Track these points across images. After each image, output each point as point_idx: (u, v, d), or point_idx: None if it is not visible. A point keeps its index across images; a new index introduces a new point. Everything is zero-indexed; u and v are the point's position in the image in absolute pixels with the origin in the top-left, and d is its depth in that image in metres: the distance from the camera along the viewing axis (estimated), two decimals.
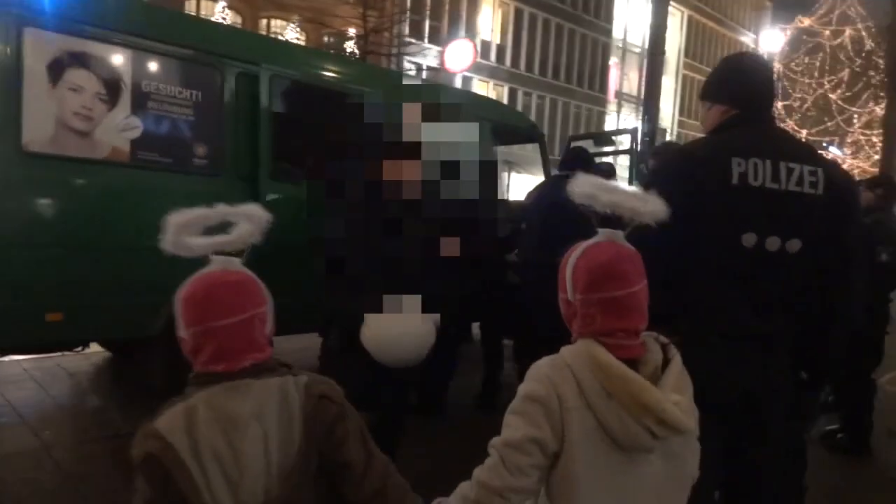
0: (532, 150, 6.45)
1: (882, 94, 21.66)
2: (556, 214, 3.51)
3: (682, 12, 37.95)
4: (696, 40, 39.51)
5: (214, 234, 1.35)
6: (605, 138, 6.06)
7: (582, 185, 1.32)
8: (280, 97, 4.26)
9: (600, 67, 33.86)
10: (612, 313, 1.28)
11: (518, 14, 29.61)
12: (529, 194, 4.43)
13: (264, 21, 23.08)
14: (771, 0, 44.16)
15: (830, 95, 29.14)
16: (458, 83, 24.16)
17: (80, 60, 3.53)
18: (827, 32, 28.98)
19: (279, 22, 22.98)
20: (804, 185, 1.61)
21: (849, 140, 29.66)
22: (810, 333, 1.74)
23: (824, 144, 28.25)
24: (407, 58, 22.96)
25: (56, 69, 3.46)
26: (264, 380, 1.21)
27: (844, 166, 19.33)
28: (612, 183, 1.36)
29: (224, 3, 20.76)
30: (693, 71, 38.77)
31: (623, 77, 34.82)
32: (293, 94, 4.37)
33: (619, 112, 33.77)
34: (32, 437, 3.71)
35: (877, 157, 22.03)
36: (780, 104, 29.36)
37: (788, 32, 31.07)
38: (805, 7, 29.52)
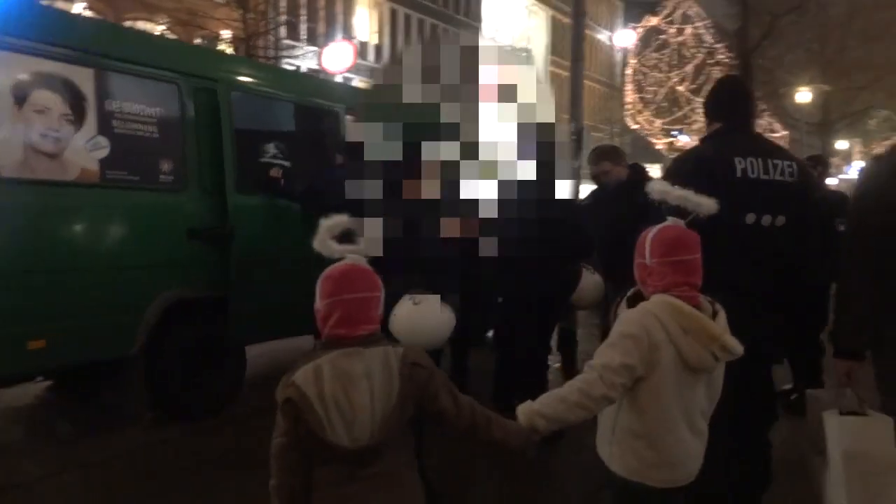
0: None
1: None
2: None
3: (546, 12, 40.16)
4: (560, 38, 41.93)
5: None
6: None
7: (658, 188, 1.86)
8: (240, 111, 4.36)
9: None
10: (680, 272, 1.80)
11: (393, 14, 30.02)
12: None
13: (129, 23, 21.74)
14: (621, 0, 47.70)
15: (678, 88, 31.93)
16: None
17: (45, 82, 3.47)
18: (672, 30, 31.74)
19: (146, 24, 21.75)
20: (785, 175, 2.18)
21: (694, 128, 32.69)
22: (785, 286, 2.28)
23: (673, 133, 31.11)
24: (286, 60, 22.60)
25: (20, 91, 3.38)
26: (372, 348, 1.57)
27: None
28: (681, 190, 1.83)
29: (84, 4, 19.35)
30: (559, 68, 41.14)
31: None
32: (252, 108, 4.48)
33: None
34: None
35: None
36: (636, 96, 32.01)
37: (639, 31, 33.68)
38: (652, 7, 32.29)
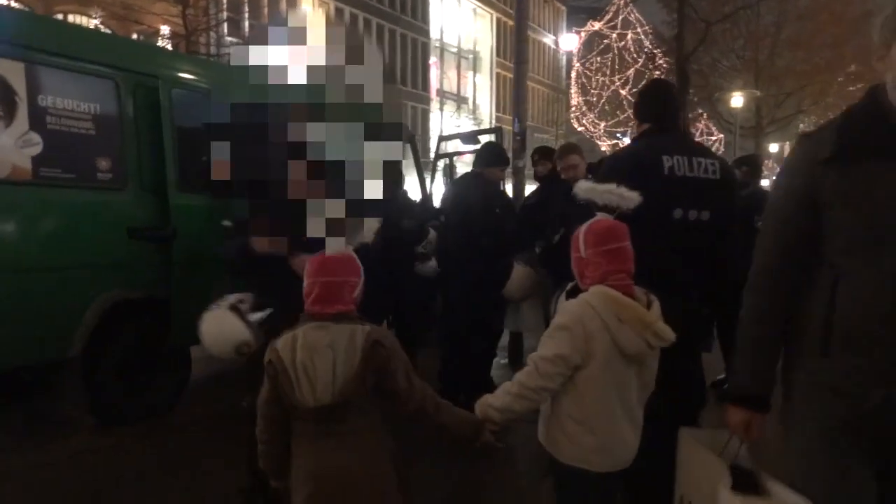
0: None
1: None
2: (477, 209, 3.95)
3: (491, 14, 40.57)
4: (505, 41, 42.44)
5: None
6: (472, 137, 6.69)
7: (583, 187, 1.99)
8: (181, 108, 4.28)
9: (421, 66, 35.14)
10: (614, 260, 1.92)
11: (339, 14, 29.74)
12: (447, 191, 4.80)
13: (60, 15, 20.85)
14: (564, 5, 48.64)
15: (621, 91, 32.73)
16: None
17: None
18: (614, 35, 32.53)
19: (78, 17, 20.91)
20: (709, 172, 2.31)
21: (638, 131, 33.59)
22: (711, 278, 2.42)
23: (618, 135, 31.90)
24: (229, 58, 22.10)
25: None
26: (342, 324, 1.81)
27: None
28: (605, 185, 1.94)
29: None
30: (505, 69, 41.63)
31: (443, 76, 36.44)
32: (194, 104, 4.40)
33: (441, 109, 35.31)
34: None
35: None
36: (581, 99, 32.71)
37: (583, 35, 34.38)
38: (595, 12, 33.04)
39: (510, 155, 4.83)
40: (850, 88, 23.99)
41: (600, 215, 1.97)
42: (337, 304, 1.83)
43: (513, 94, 5.35)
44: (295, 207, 2.20)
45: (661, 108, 2.51)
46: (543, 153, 4.97)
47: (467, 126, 34.19)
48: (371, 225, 2.10)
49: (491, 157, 4.22)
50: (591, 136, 31.31)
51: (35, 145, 3.59)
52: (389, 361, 1.81)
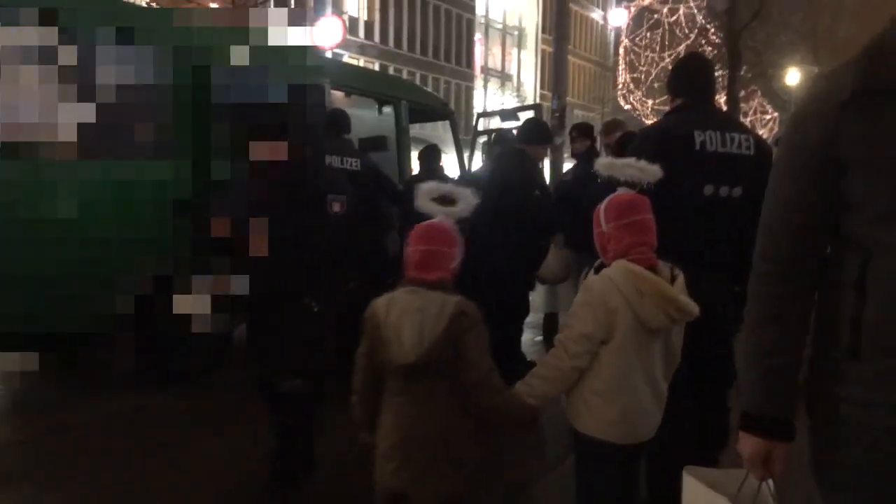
0: (443, 127, 6.91)
1: (717, 66, 24.21)
2: (516, 191, 3.87)
3: None
4: (551, 17, 41.64)
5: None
6: (512, 114, 6.65)
7: (604, 164, 2.00)
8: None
9: (465, 43, 34.85)
10: (635, 232, 1.91)
11: None
12: (485, 166, 4.79)
13: None
14: None
15: (670, 68, 31.64)
16: None
17: None
18: (665, 10, 31.50)
19: None
20: (742, 148, 2.27)
21: None
22: (743, 257, 2.37)
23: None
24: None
25: None
26: (435, 291, 1.91)
27: None
28: (624, 160, 1.94)
29: None
30: (551, 46, 40.90)
31: (487, 53, 36.06)
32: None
33: (485, 87, 35.01)
34: None
35: None
36: (628, 76, 31.93)
37: (632, 9, 33.42)
38: None
39: None
40: None
41: (621, 190, 1.97)
42: (436, 271, 1.94)
43: (552, 70, 5.29)
44: None
45: (694, 83, 2.46)
46: (582, 130, 4.89)
47: (511, 104, 33.83)
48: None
49: (534, 134, 4.07)
50: (638, 115, 30.60)
51: None
52: (469, 331, 1.90)
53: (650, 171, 1.96)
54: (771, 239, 1.30)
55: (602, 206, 1.98)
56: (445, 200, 2.05)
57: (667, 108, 2.64)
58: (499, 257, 3.77)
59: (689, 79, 2.48)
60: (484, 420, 1.99)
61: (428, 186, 2.03)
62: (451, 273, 1.98)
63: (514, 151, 4.08)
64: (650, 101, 30.50)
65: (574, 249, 4.25)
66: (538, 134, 4.08)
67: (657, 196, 2.00)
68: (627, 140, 4.01)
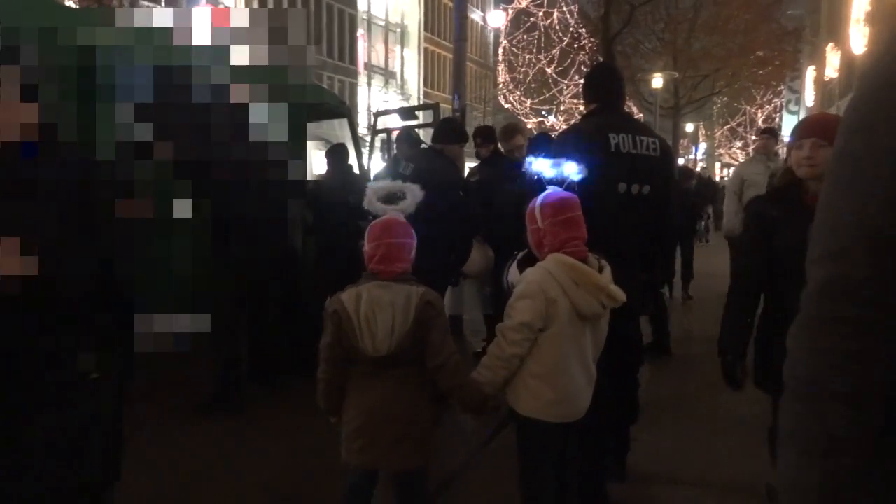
0: (339, 125, 6.88)
1: (585, 68, 25.64)
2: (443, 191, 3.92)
3: None
4: (433, 16, 42.21)
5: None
6: (409, 112, 6.75)
7: (535, 164, 2.20)
8: None
9: (348, 39, 34.49)
10: (570, 227, 2.12)
11: None
12: (404, 168, 4.81)
13: None
14: None
15: (547, 69, 33.17)
16: None
17: None
18: (540, 14, 32.83)
19: None
20: (650, 150, 2.53)
21: (562, 108, 34.25)
22: (650, 248, 2.65)
23: (543, 113, 32.52)
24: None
25: None
26: (400, 284, 2.06)
27: (559, 130, 22.94)
28: (551, 160, 2.14)
29: None
30: (433, 45, 41.46)
31: (371, 49, 35.91)
32: None
33: (369, 84, 34.85)
34: None
35: None
36: (507, 77, 33.07)
37: (510, 12, 34.53)
38: None
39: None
40: (760, 73, 25.47)
41: (551, 188, 2.17)
42: (398, 263, 2.07)
43: (452, 70, 5.47)
44: None
45: (607, 90, 2.72)
46: (486, 136, 5.03)
47: (395, 101, 33.89)
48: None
49: (452, 134, 4.19)
50: (517, 114, 31.78)
51: None
52: (433, 318, 2.06)
53: (573, 170, 2.17)
54: (840, 268, 0.85)
55: (537, 205, 2.16)
56: (390, 198, 2.17)
57: (545, 108, 2.87)
58: (431, 260, 3.83)
59: (602, 86, 2.73)
60: (445, 401, 2.15)
61: (376, 186, 2.18)
62: (410, 263, 2.12)
63: (433, 151, 4.17)
64: (528, 101, 31.72)
65: (489, 244, 4.45)
66: (455, 134, 4.22)
67: (577, 193, 2.21)
68: (541, 142, 4.25)
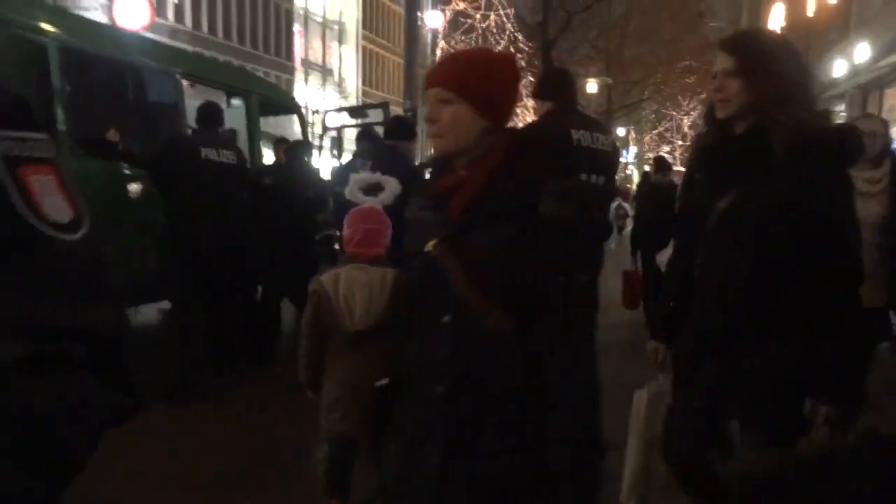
0: (288, 122, 6.93)
1: (528, 73, 26.20)
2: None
3: None
4: (371, 14, 42.06)
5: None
6: (359, 111, 6.86)
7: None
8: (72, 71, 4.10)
9: (285, 34, 33.95)
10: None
11: None
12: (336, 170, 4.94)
13: None
14: None
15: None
16: None
17: None
18: (478, 16, 33.20)
19: None
20: (605, 145, 2.80)
21: None
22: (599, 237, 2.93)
23: None
24: (69, 10, 20.05)
25: None
26: (376, 267, 2.27)
27: None
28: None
29: None
30: (371, 43, 41.31)
31: (308, 46, 35.46)
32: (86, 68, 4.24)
33: (306, 80, 34.41)
34: None
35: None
36: None
37: (447, 13, 34.75)
38: None
39: None
40: (688, 80, 26.75)
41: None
42: (375, 247, 2.27)
43: (404, 71, 5.64)
44: None
45: (563, 91, 2.98)
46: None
47: (333, 99, 33.63)
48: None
49: (402, 131, 4.34)
50: None
51: None
52: (401, 293, 2.22)
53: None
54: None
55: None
56: (370, 189, 2.37)
57: None
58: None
59: (559, 87, 2.99)
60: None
61: (358, 178, 2.40)
62: (385, 248, 2.33)
63: (388, 148, 4.25)
64: None
65: None
66: (405, 130, 4.39)
67: None
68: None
